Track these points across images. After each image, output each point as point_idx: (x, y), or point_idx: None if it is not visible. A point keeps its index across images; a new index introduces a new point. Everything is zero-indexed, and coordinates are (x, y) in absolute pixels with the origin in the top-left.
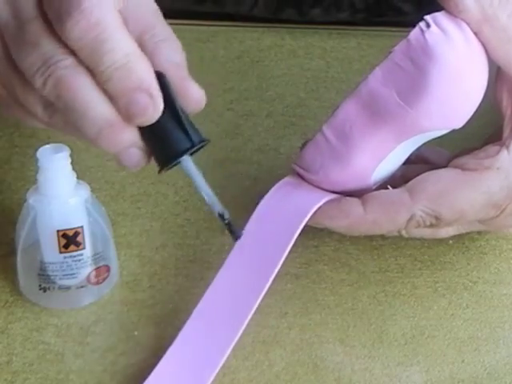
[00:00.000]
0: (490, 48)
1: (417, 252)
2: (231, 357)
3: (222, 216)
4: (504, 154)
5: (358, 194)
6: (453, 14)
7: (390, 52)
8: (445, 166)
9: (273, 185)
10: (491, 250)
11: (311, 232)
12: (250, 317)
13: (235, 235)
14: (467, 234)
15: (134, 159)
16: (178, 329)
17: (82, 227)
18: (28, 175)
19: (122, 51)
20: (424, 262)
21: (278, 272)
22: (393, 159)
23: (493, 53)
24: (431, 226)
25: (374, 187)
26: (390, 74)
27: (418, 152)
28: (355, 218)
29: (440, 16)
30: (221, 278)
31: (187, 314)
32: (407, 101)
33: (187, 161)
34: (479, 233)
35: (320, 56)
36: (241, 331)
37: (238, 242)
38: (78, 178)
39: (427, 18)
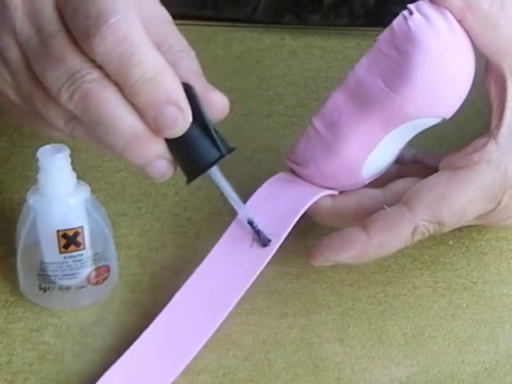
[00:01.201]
0: (473, 35)
1: (417, 252)
2: (231, 357)
3: (251, 223)
4: (492, 144)
5: (351, 188)
6: (436, 2)
7: (375, 41)
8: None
9: None
10: (491, 250)
11: (311, 232)
12: (225, 315)
13: (263, 242)
14: (467, 234)
15: (160, 170)
16: None
17: (82, 227)
18: (28, 175)
19: (150, 64)
20: (424, 262)
21: (278, 272)
22: (383, 150)
23: (477, 41)
24: (435, 232)
25: (366, 181)
26: (375, 61)
27: (413, 157)
28: (361, 245)
29: (423, 4)
30: (202, 269)
31: None
32: (392, 87)
33: (215, 171)
34: (479, 233)
35: (320, 56)
36: (214, 328)
37: (226, 235)
38: (78, 178)
39: (410, 6)
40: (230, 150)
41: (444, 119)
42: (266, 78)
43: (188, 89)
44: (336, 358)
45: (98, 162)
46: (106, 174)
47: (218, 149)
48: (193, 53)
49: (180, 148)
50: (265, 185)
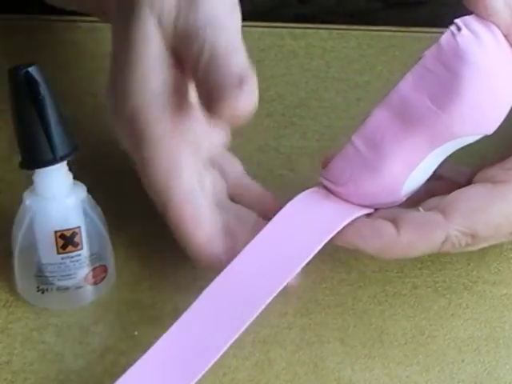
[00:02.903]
0: None
1: None
2: (231, 356)
3: None
4: None
5: (388, 206)
6: (482, 17)
7: (421, 57)
8: (464, 183)
9: (272, 185)
10: (491, 250)
11: None
12: (247, 324)
13: None
14: None
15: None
16: None
17: (79, 227)
18: (28, 175)
19: None
20: (424, 262)
21: None
22: (423, 169)
23: None
24: (466, 245)
25: (404, 199)
26: (421, 79)
27: (439, 173)
28: (389, 239)
29: (470, 19)
30: (222, 280)
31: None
32: (439, 105)
33: None
34: None
35: (320, 56)
36: (235, 336)
37: (250, 246)
38: (77, 177)
39: (457, 21)
40: (64, 157)
41: (486, 135)
42: (266, 78)
43: (31, 79)
44: (336, 358)
45: (97, 162)
46: (106, 173)
47: (53, 153)
48: None
49: (22, 135)
50: (294, 200)
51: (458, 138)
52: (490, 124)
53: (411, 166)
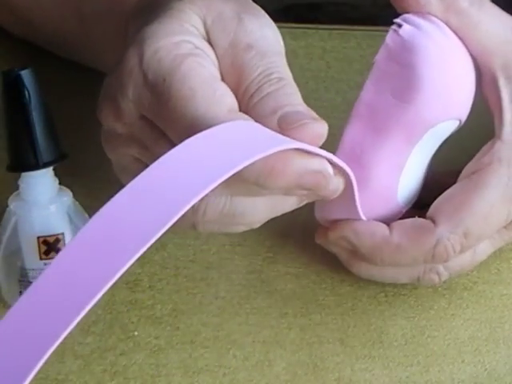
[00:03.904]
0: (461, 36)
1: None
2: (231, 357)
3: None
4: (498, 144)
5: (391, 218)
6: (418, 10)
7: (373, 63)
8: None
9: None
10: None
11: (312, 233)
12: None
13: None
14: None
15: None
16: (178, 329)
17: (63, 234)
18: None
19: None
20: None
21: (278, 272)
22: (412, 170)
23: (465, 41)
24: (463, 248)
25: (404, 209)
26: (379, 82)
27: (433, 175)
28: (380, 238)
29: (408, 15)
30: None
31: (187, 314)
32: (404, 98)
33: None
34: None
35: (320, 56)
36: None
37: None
38: (77, 178)
39: (396, 20)
40: (49, 164)
41: (460, 122)
42: None
43: (20, 82)
44: (336, 358)
45: (97, 162)
46: (106, 173)
47: (37, 158)
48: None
49: (9, 138)
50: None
51: (433, 128)
52: (457, 106)
53: (398, 169)
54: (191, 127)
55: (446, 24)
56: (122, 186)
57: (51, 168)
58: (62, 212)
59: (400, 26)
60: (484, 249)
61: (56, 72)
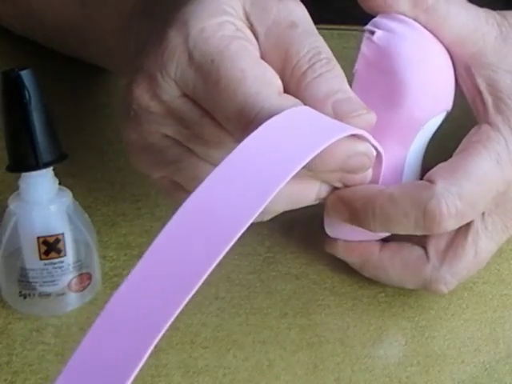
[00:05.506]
0: (431, 30)
1: None
2: (231, 357)
3: None
4: (485, 126)
5: None
6: (386, 11)
7: (354, 74)
8: None
9: None
10: None
11: (311, 234)
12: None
13: None
14: None
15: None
16: (178, 329)
17: (62, 234)
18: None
19: None
20: None
21: (278, 272)
22: (411, 170)
23: (436, 35)
24: (458, 211)
25: None
26: (364, 92)
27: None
28: (375, 189)
29: (377, 20)
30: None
31: (187, 314)
32: (393, 103)
33: None
34: None
35: None
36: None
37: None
38: (77, 178)
39: (367, 27)
40: (48, 164)
41: (447, 112)
42: None
43: (20, 82)
44: (336, 358)
45: (97, 162)
46: (106, 173)
47: (36, 158)
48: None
49: (9, 138)
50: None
51: (425, 124)
52: (445, 98)
53: (398, 175)
54: (242, 108)
55: (416, 21)
56: (121, 186)
57: (51, 168)
58: (61, 212)
59: (372, 32)
60: (485, 246)
61: (56, 72)
